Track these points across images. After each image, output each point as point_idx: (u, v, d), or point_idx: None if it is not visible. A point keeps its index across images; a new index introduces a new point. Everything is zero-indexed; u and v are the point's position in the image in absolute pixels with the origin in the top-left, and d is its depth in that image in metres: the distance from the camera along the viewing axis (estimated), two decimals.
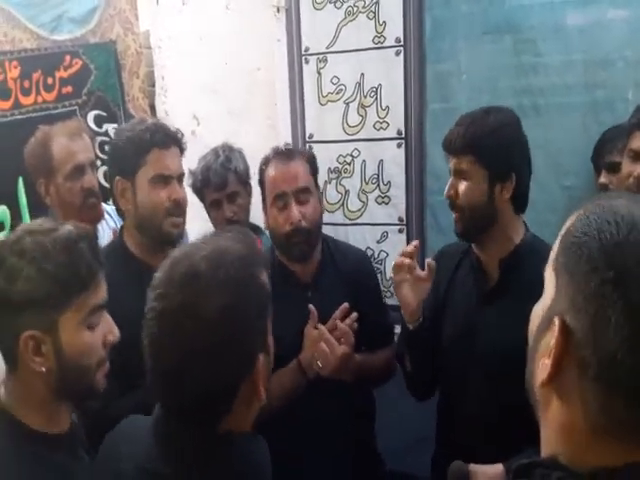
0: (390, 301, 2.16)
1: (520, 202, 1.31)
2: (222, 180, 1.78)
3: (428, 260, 1.35)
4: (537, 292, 1.25)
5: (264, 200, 1.47)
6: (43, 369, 0.85)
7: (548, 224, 1.90)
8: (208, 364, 0.70)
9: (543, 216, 1.93)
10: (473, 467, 1.12)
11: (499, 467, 1.14)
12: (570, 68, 1.90)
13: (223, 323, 0.70)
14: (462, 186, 1.28)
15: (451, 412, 1.40)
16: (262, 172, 1.47)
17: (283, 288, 1.47)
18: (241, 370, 0.73)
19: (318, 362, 1.32)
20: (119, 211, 1.46)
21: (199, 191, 1.86)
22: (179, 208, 1.37)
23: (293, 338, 1.43)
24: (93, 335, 0.89)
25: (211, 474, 0.73)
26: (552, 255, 0.59)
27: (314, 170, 1.49)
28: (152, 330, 0.73)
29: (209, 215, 1.89)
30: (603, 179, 1.72)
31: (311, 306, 1.39)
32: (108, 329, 0.92)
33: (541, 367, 0.56)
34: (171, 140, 1.36)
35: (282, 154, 1.46)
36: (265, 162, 1.48)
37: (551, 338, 0.54)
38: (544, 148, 1.94)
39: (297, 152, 1.48)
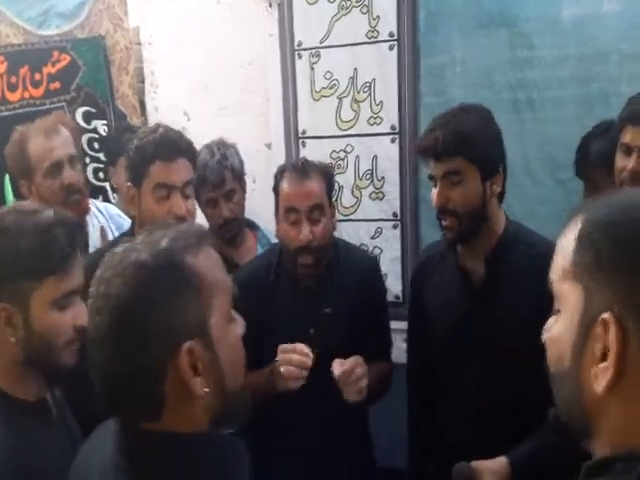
0: None
1: (503, 193, 1.34)
2: (219, 178, 1.80)
3: None
4: (525, 282, 1.28)
5: (277, 208, 1.48)
6: (12, 339, 0.94)
7: (541, 218, 1.95)
8: (119, 355, 0.70)
9: (536, 209, 1.98)
10: (476, 464, 1.15)
11: (502, 460, 1.18)
12: (565, 62, 1.95)
13: (124, 309, 0.70)
14: (456, 192, 1.26)
15: (444, 409, 1.42)
16: (277, 182, 1.48)
17: (286, 289, 1.50)
18: (155, 357, 0.70)
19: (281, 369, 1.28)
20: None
21: (194, 189, 1.88)
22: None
23: (291, 340, 1.45)
24: (62, 316, 0.96)
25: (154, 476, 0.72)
26: (562, 269, 0.59)
27: (330, 187, 1.48)
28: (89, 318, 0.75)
29: (204, 213, 1.91)
30: (588, 196, 1.78)
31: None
32: (79, 314, 0.97)
33: (597, 375, 0.54)
34: (176, 152, 1.38)
35: (298, 169, 1.45)
36: (280, 173, 1.48)
37: (595, 344, 0.54)
38: (538, 142, 2.00)
39: (314, 168, 1.46)
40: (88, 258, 1.10)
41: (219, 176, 1.79)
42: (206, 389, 0.71)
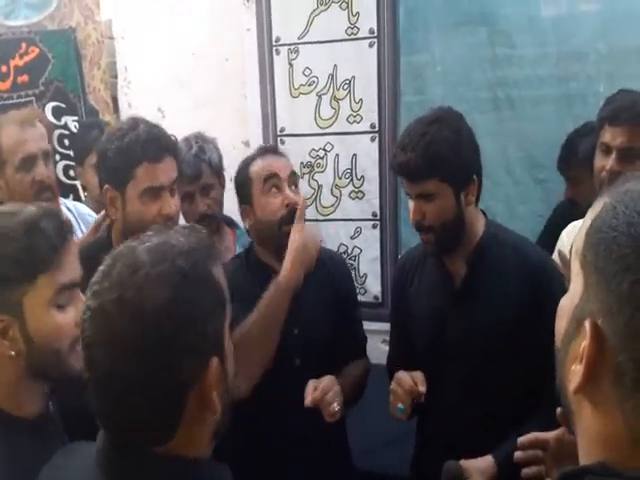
0: (363, 298, 2.20)
1: (479, 194, 1.34)
2: (196, 172, 1.76)
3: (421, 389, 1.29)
4: (505, 283, 1.30)
5: (248, 197, 1.45)
6: (12, 353, 0.87)
7: (521, 217, 1.98)
8: (145, 369, 0.64)
9: (516, 209, 2.01)
10: (464, 463, 1.18)
11: (488, 459, 1.21)
12: (544, 60, 1.99)
13: (163, 320, 0.64)
14: (430, 208, 1.27)
15: (429, 412, 1.43)
16: (244, 171, 1.46)
17: (263, 288, 1.47)
18: (186, 376, 0.66)
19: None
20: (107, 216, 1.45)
21: None
22: (170, 223, 1.33)
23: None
24: (64, 315, 0.90)
25: None
26: (577, 248, 0.56)
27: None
28: (85, 333, 0.67)
29: (180, 208, 1.88)
30: (569, 194, 1.81)
31: None
32: (82, 308, 0.90)
33: (572, 373, 0.54)
34: (163, 151, 1.32)
35: (269, 149, 1.48)
36: (249, 160, 1.48)
37: (582, 342, 0.52)
38: (517, 141, 2.02)
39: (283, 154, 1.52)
40: None
41: (196, 169, 1.76)
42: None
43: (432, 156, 1.23)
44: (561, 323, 0.58)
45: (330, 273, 1.52)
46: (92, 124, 2.20)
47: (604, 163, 1.46)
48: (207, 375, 0.67)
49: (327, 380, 1.31)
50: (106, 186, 1.36)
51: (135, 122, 1.35)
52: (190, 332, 0.66)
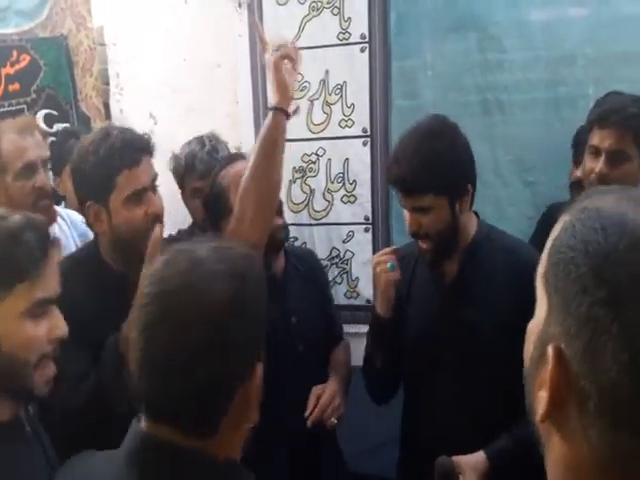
0: (355, 301, 2.21)
1: (473, 199, 1.35)
2: (208, 168, 1.80)
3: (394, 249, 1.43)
4: (495, 281, 1.32)
5: (225, 211, 1.47)
6: None
7: (510, 219, 2.00)
8: (205, 358, 0.66)
9: (505, 211, 2.02)
10: (457, 459, 1.20)
11: (480, 455, 1.23)
12: (533, 65, 2.01)
13: (226, 313, 0.67)
14: (426, 220, 1.29)
15: (418, 415, 1.44)
16: (216, 184, 1.53)
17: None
18: (239, 373, 0.69)
19: None
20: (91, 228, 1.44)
21: (181, 178, 1.88)
22: (158, 221, 1.33)
23: (270, 328, 1.46)
24: (35, 328, 0.89)
25: None
26: (541, 269, 0.54)
27: None
28: (147, 316, 0.69)
29: (188, 205, 1.89)
30: (579, 173, 1.80)
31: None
32: (55, 324, 0.91)
33: (538, 400, 0.51)
34: (140, 153, 1.32)
35: (234, 157, 1.58)
36: (215, 175, 1.56)
37: (547, 368, 0.50)
38: (507, 144, 2.04)
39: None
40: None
41: (208, 166, 1.81)
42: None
43: (427, 173, 1.24)
44: (529, 347, 0.55)
45: (311, 268, 1.68)
46: (69, 133, 2.19)
47: (593, 165, 1.47)
48: (253, 378, 0.71)
49: (327, 396, 1.45)
50: (88, 203, 1.33)
51: (106, 131, 1.34)
52: (245, 331, 0.69)
